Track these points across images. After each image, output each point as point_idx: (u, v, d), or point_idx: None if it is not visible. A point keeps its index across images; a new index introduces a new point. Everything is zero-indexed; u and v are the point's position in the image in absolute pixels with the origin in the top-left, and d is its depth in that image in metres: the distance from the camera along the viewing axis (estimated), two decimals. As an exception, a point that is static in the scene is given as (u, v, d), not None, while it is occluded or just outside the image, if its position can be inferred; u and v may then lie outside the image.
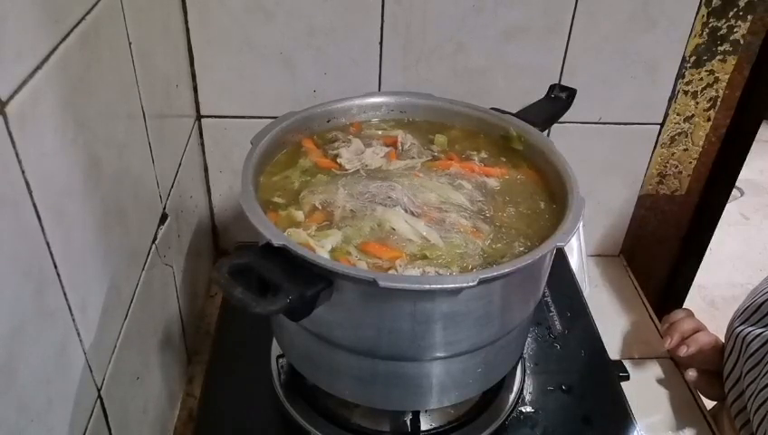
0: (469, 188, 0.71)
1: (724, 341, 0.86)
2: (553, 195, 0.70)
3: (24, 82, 0.41)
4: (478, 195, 0.70)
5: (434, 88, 0.83)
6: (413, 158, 0.75)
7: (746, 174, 1.12)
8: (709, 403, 0.90)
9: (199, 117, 0.92)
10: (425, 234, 0.63)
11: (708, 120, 1.01)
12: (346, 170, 0.72)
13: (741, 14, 0.91)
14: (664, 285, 1.19)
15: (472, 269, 0.60)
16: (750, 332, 0.77)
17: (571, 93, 0.84)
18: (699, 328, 0.88)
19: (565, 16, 0.88)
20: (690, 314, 0.91)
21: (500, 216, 0.68)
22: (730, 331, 0.82)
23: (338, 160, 0.73)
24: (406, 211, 0.65)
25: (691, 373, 0.86)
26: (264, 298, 0.51)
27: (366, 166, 0.73)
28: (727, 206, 1.08)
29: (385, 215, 0.64)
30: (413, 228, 0.63)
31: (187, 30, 0.85)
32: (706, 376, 0.86)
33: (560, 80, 0.92)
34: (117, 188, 0.58)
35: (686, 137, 1.03)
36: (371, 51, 0.88)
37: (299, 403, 0.74)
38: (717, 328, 0.91)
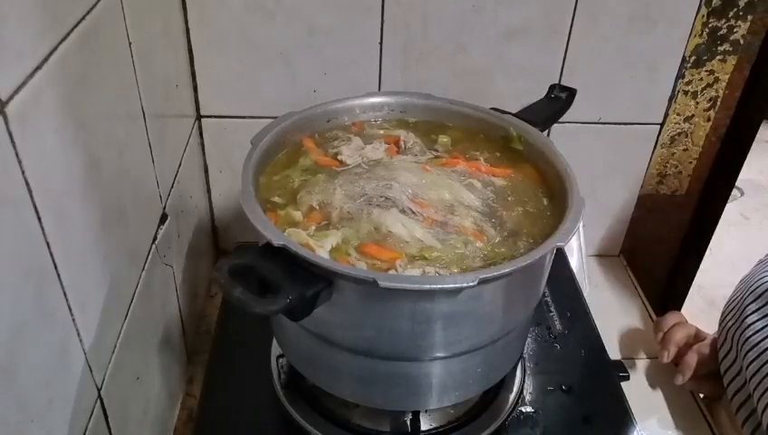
0: (479, 188, 0.71)
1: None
2: (553, 195, 0.70)
3: (24, 82, 0.41)
4: (489, 193, 0.70)
5: (434, 88, 0.83)
6: (416, 155, 0.75)
7: (746, 174, 1.12)
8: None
9: (199, 117, 0.92)
10: (418, 236, 0.62)
11: (708, 120, 1.01)
12: (347, 166, 0.72)
13: (741, 14, 0.91)
14: (664, 285, 1.19)
15: (472, 270, 0.60)
16: (750, 324, 0.76)
17: (571, 93, 0.83)
18: (691, 334, 0.88)
19: (565, 17, 0.88)
20: (681, 318, 0.91)
21: (510, 215, 0.68)
22: (724, 326, 0.82)
23: (338, 157, 0.73)
24: (404, 211, 0.65)
25: (688, 384, 0.87)
26: (264, 298, 0.51)
27: (367, 159, 0.73)
28: (727, 206, 1.08)
29: (381, 217, 0.64)
30: (409, 232, 0.63)
31: (187, 30, 0.85)
32: (705, 378, 0.86)
33: (560, 80, 0.92)
34: (117, 188, 0.58)
35: (686, 137, 1.03)
36: (371, 51, 0.88)
37: (299, 403, 0.74)
38: (716, 329, 0.91)
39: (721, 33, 0.93)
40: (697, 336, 0.89)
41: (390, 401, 0.67)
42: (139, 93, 0.64)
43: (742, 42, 0.94)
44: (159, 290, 0.72)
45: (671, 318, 0.91)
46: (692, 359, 0.85)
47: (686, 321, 0.91)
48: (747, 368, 0.74)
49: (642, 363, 0.93)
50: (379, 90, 0.91)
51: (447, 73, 0.91)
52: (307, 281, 0.53)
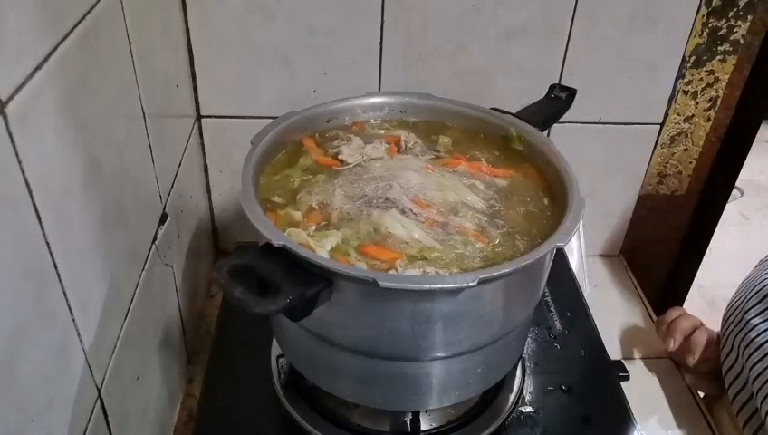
0: (482, 189, 0.71)
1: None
2: (554, 195, 0.70)
3: (24, 82, 0.41)
4: (491, 193, 0.70)
5: (434, 88, 0.83)
6: (416, 155, 0.75)
7: (746, 174, 1.12)
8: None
9: (199, 117, 0.92)
10: (417, 237, 0.62)
11: (708, 120, 1.01)
12: (348, 165, 0.72)
13: (741, 14, 0.91)
14: (664, 285, 1.19)
15: (472, 270, 0.60)
16: (754, 326, 0.76)
17: (571, 93, 0.83)
18: (695, 324, 0.88)
19: (565, 16, 0.88)
20: (684, 311, 0.91)
21: (512, 215, 0.68)
22: (726, 328, 0.82)
23: (339, 157, 0.73)
24: (404, 212, 0.65)
25: (688, 380, 0.88)
26: (264, 298, 0.51)
27: (368, 158, 0.73)
28: (727, 206, 1.08)
29: (380, 218, 0.64)
30: (408, 232, 0.63)
31: (187, 30, 0.85)
32: (706, 375, 0.86)
33: (560, 80, 0.92)
34: (117, 188, 0.58)
35: (686, 137, 1.03)
36: (371, 51, 0.88)
37: (299, 403, 0.74)
38: (717, 329, 0.91)
39: (721, 33, 0.93)
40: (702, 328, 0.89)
41: (390, 401, 0.67)
42: (139, 93, 0.64)
43: (742, 42, 0.94)
44: (159, 290, 0.72)
45: (674, 312, 0.91)
46: (701, 338, 0.85)
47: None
48: (750, 369, 0.74)
49: (642, 363, 0.93)
50: (379, 90, 0.91)
51: (447, 73, 0.91)
52: (307, 281, 0.53)
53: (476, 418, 0.74)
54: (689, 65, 0.95)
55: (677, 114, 1.00)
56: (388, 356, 0.61)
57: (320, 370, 0.67)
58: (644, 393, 0.87)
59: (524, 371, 0.81)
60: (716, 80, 0.97)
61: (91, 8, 0.52)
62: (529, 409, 0.77)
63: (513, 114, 0.78)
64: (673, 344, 0.87)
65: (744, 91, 0.98)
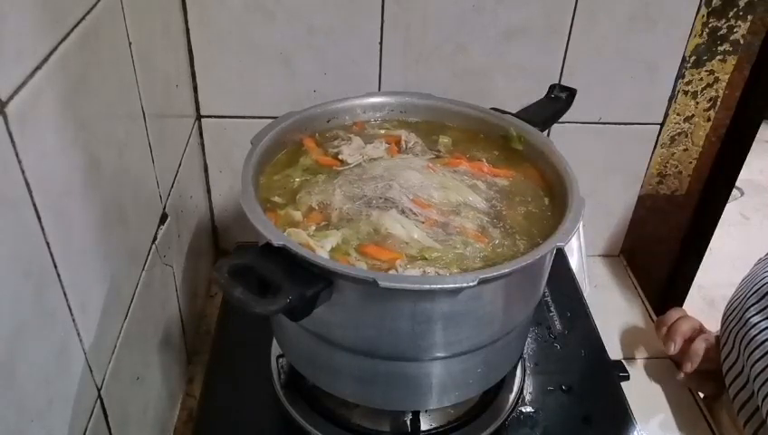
0: (483, 189, 0.71)
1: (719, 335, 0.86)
2: (554, 195, 0.70)
3: (24, 82, 0.41)
4: (492, 194, 0.70)
5: (434, 88, 0.83)
6: (417, 155, 0.75)
7: (746, 174, 1.12)
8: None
9: (199, 117, 0.92)
10: (416, 237, 0.62)
11: (708, 120, 1.01)
12: (348, 165, 0.72)
13: (741, 14, 0.91)
14: (664, 285, 1.19)
15: (472, 270, 0.60)
16: (755, 323, 0.76)
17: (571, 93, 0.83)
18: (696, 327, 0.88)
19: (565, 17, 0.88)
20: (684, 313, 0.91)
21: (513, 215, 0.68)
22: (726, 326, 0.82)
23: (339, 157, 0.73)
24: (403, 212, 0.65)
25: (679, 378, 0.88)
26: (264, 298, 0.51)
27: (368, 157, 0.73)
28: (727, 206, 1.08)
29: (380, 219, 0.64)
30: (408, 233, 0.63)
31: (187, 30, 0.85)
32: (705, 376, 0.86)
33: (560, 80, 0.92)
34: (117, 188, 0.58)
35: (686, 137, 1.03)
36: (371, 51, 0.88)
37: (299, 403, 0.74)
38: (717, 328, 0.91)
39: (721, 33, 0.93)
40: (702, 330, 0.89)
41: (390, 401, 0.67)
42: (139, 93, 0.64)
43: (742, 42, 0.94)
44: (159, 290, 0.72)
45: (674, 313, 0.91)
46: (700, 346, 0.85)
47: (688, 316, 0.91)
48: (752, 367, 0.74)
49: (642, 363, 0.93)
50: (379, 90, 0.91)
51: (447, 73, 0.91)
52: (307, 281, 0.53)
53: (476, 418, 0.74)
54: (689, 65, 0.95)
55: (677, 114, 1.00)
56: (388, 356, 0.61)
57: (320, 370, 0.67)
58: (644, 393, 0.87)
59: (524, 371, 0.81)
60: (716, 80, 0.97)
61: (91, 8, 0.52)
62: (529, 409, 0.77)
63: (513, 114, 0.78)
64: (674, 348, 0.87)
65: (743, 91, 0.98)
